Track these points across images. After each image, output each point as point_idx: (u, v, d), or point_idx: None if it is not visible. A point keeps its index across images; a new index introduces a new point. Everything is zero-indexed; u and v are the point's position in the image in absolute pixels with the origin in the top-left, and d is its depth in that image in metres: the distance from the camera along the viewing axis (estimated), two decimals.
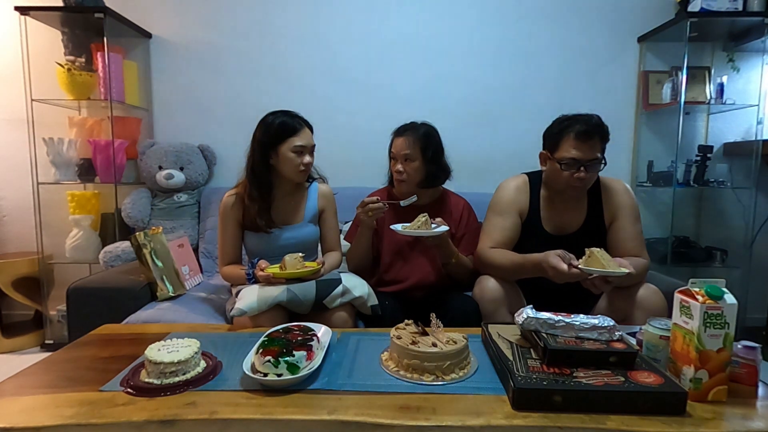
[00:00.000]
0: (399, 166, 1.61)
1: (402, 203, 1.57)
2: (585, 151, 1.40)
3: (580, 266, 1.25)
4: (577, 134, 1.40)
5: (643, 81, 2.42)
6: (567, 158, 1.41)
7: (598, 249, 1.26)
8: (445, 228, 1.50)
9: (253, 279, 1.45)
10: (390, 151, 1.66)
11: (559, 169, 1.44)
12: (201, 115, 2.46)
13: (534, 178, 1.60)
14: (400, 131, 1.65)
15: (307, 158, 1.53)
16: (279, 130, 1.50)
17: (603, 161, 1.44)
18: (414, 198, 1.58)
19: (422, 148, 1.61)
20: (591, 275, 1.26)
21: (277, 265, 1.42)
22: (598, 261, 1.24)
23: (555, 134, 1.46)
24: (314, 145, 1.56)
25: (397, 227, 1.50)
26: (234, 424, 0.85)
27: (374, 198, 1.54)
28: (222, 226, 1.59)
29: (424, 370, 0.99)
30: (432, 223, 1.50)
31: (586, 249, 1.28)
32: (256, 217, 1.53)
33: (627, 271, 1.23)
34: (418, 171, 1.62)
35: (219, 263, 1.63)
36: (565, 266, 1.26)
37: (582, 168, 1.41)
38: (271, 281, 1.39)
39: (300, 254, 1.42)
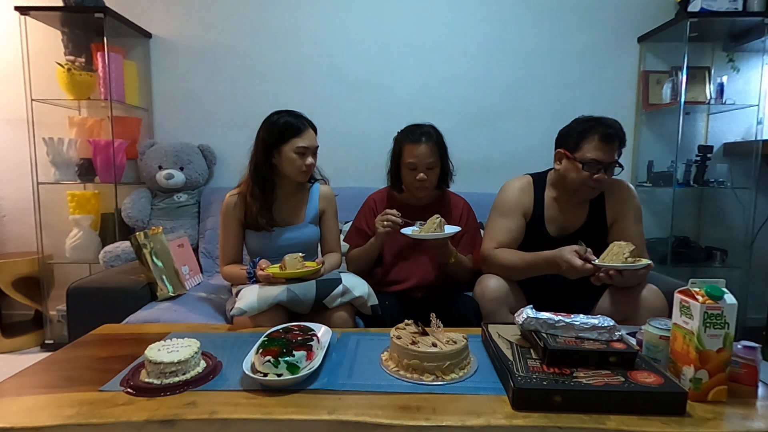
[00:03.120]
0: (422, 175, 1.57)
1: (414, 228, 1.53)
2: (608, 154, 1.40)
3: (595, 262, 1.28)
4: (603, 136, 1.40)
5: (643, 81, 2.42)
6: (589, 159, 1.41)
7: (623, 243, 1.28)
8: (456, 228, 1.49)
9: (253, 278, 1.45)
10: (401, 157, 1.61)
11: (578, 168, 1.43)
12: (201, 115, 2.46)
13: (538, 179, 1.60)
14: (414, 138, 1.58)
15: (309, 159, 1.52)
16: (282, 130, 1.50)
17: (621, 166, 1.45)
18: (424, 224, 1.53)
19: (441, 153, 1.61)
20: (608, 270, 1.28)
21: (278, 265, 1.42)
22: (616, 255, 1.26)
23: (578, 133, 1.44)
24: (318, 147, 1.56)
25: (408, 231, 1.49)
26: (234, 424, 0.85)
27: (396, 212, 1.53)
28: (223, 226, 1.59)
29: (424, 370, 0.99)
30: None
31: (612, 243, 1.30)
32: (257, 215, 1.53)
33: (646, 262, 1.25)
34: (438, 175, 1.62)
35: (220, 263, 1.63)
36: (579, 262, 1.28)
37: (602, 170, 1.41)
38: (271, 281, 1.39)
39: (300, 254, 1.42)
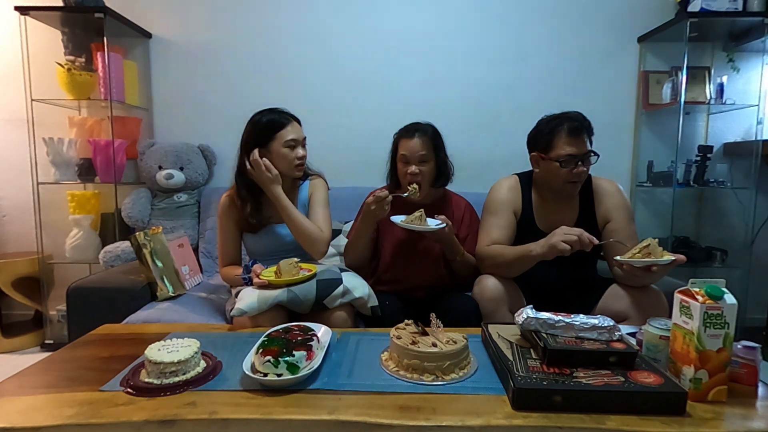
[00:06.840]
0: (413, 168, 1.58)
1: (404, 195, 1.56)
2: (579, 146, 1.43)
3: (617, 258, 1.28)
4: (569, 131, 1.43)
5: (643, 81, 2.42)
6: (564, 155, 1.43)
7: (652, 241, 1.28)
8: (441, 225, 1.49)
9: (249, 285, 1.43)
10: (397, 154, 1.63)
11: (557, 167, 1.45)
12: (201, 115, 2.46)
13: (524, 178, 1.62)
14: (408, 133, 1.61)
15: (300, 151, 1.53)
16: (267, 127, 1.51)
17: (596, 154, 1.47)
18: (416, 193, 1.56)
19: (435, 147, 1.61)
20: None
21: (273, 268, 1.43)
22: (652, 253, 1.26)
23: (546, 134, 1.48)
24: (305, 137, 1.57)
25: (396, 219, 1.51)
26: (234, 424, 0.85)
27: (385, 192, 1.52)
28: (220, 227, 1.60)
29: (424, 370, 0.99)
30: (436, 218, 1.51)
31: (645, 240, 1.29)
32: (248, 216, 1.54)
33: (672, 258, 1.26)
34: (432, 171, 1.62)
35: (219, 263, 1.64)
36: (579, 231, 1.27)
37: (579, 162, 1.44)
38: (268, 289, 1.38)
39: (296, 259, 1.42)
